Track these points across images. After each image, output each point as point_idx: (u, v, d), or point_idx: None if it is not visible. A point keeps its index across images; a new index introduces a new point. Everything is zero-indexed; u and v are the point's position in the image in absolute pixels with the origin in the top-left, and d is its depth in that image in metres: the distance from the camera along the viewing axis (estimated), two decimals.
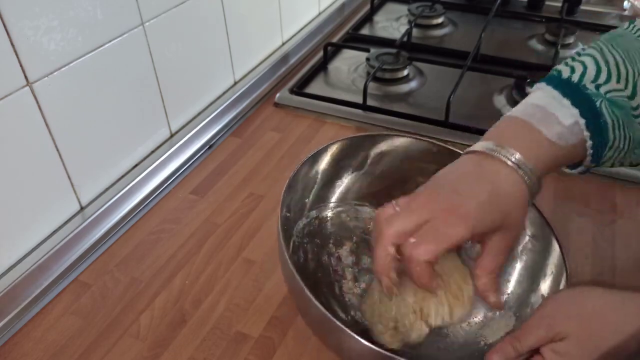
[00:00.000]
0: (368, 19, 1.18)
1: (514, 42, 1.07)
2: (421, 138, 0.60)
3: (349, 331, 0.40)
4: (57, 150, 0.61)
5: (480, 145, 0.45)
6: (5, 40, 0.52)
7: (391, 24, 1.16)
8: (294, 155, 0.79)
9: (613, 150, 0.46)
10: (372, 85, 0.91)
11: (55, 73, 0.58)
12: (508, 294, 0.54)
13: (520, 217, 0.44)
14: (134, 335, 0.56)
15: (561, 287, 0.49)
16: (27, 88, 0.56)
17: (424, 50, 1.03)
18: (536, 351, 0.41)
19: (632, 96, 0.46)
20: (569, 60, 0.48)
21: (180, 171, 0.77)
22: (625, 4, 1.15)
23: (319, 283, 0.56)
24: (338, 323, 0.41)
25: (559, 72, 0.47)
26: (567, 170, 0.50)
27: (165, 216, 0.70)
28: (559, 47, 0.95)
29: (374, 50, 0.97)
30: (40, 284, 0.60)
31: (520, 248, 0.55)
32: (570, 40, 1.03)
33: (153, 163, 0.73)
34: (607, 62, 0.46)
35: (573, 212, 0.68)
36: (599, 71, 0.46)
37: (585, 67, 0.46)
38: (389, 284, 0.43)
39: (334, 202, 0.61)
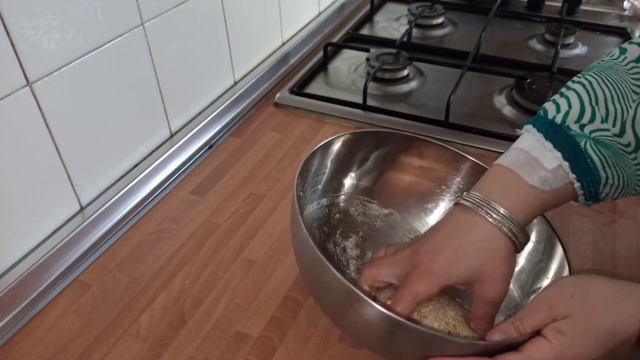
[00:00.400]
0: (368, 19, 1.18)
1: (514, 42, 1.07)
2: (435, 142, 0.60)
3: (365, 297, 0.41)
4: (57, 150, 0.61)
5: (466, 198, 0.47)
6: (5, 40, 0.52)
7: (391, 24, 1.16)
8: (294, 155, 0.79)
9: (608, 187, 0.46)
10: (372, 85, 0.91)
11: (55, 73, 0.58)
12: (509, 295, 0.54)
13: (498, 270, 0.45)
14: (134, 335, 0.56)
15: None
16: (27, 88, 0.56)
17: (424, 50, 1.03)
18: (538, 333, 0.41)
19: (620, 134, 0.46)
20: (557, 96, 0.48)
21: (180, 171, 0.77)
22: (625, 4, 1.15)
23: None
24: (351, 286, 0.41)
25: (546, 111, 0.47)
26: (574, 204, 0.49)
27: (165, 216, 0.70)
28: (559, 47, 0.95)
29: (374, 50, 0.97)
30: (40, 284, 0.60)
31: (524, 250, 0.55)
32: (570, 40, 1.03)
33: (153, 163, 0.73)
34: (594, 99, 0.46)
35: (573, 212, 0.68)
36: (582, 111, 0.46)
37: (570, 106, 0.46)
38: None
39: (344, 195, 0.61)
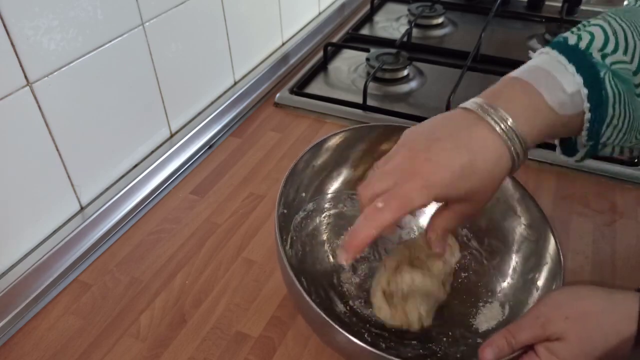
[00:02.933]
0: (368, 19, 1.18)
1: (514, 42, 1.07)
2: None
3: (343, 331, 0.41)
4: (57, 150, 0.61)
5: (474, 102, 0.43)
6: (5, 40, 0.52)
7: (391, 24, 1.16)
8: (294, 155, 0.79)
9: (612, 129, 0.44)
10: (372, 85, 0.91)
11: (55, 73, 0.58)
12: (504, 284, 0.55)
13: (492, 190, 0.43)
14: (134, 335, 0.56)
15: (556, 279, 0.49)
16: (27, 88, 0.56)
17: (424, 50, 1.03)
18: (530, 347, 0.42)
19: (636, 71, 0.44)
20: (574, 29, 0.46)
21: (180, 171, 0.77)
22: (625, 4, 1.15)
23: (318, 275, 0.56)
24: (333, 323, 0.41)
25: (565, 38, 0.45)
26: (565, 158, 0.48)
27: (165, 216, 0.70)
28: None
29: (374, 50, 0.97)
30: (40, 284, 0.60)
31: (517, 238, 0.55)
32: None
33: (153, 163, 0.73)
34: (615, 33, 0.44)
35: (573, 212, 0.68)
36: (607, 40, 0.44)
37: (592, 35, 0.44)
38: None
39: (330, 194, 0.61)
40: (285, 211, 0.54)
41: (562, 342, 0.40)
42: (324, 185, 0.60)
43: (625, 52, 0.44)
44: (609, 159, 0.73)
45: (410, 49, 0.99)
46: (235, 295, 0.59)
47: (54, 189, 0.62)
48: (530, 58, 0.46)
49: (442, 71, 0.95)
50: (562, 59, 0.43)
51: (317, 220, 0.59)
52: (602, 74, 0.42)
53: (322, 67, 1.00)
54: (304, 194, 0.58)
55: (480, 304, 0.54)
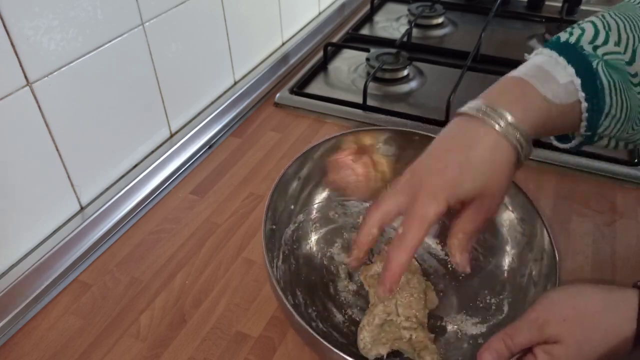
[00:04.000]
0: (368, 19, 1.18)
1: (514, 42, 1.07)
2: (402, 129, 0.60)
3: (332, 347, 0.41)
4: (57, 150, 0.61)
5: (470, 106, 0.44)
6: (5, 40, 0.52)
7: (391, 24, 1.16)
8: (293, 156, 0.79)
9: (610, 119, 0.44)
10: (372, 85, 0.91)
11: (55, 73, 0.58)
12: (501, 281, 0.55)
13: (500, 183, 0.43)
14: (134, 335, 0.56)
15: (552, 274, 0.49)
16: (27, 88, 0.56)
17: (424, 50, 1.03)
18: (529, 349, 0.41)
19: (630, 62, 0.45)
20: (568, 28, 0.47)
21: (180, 171, 0.77)
22: None
23: (314, 286, 0.56)
24: (322, 340, 0.42)
25: (558, 37, 0.46)
26: (560, 145, 0.49)
27: (165, 216, 0.70)
28: None
29: (374, 50, 0.97)
30: (40, 284, 0.60)
31: (511, 233, 0.55)
32: None
33: (153, 163, 0.73)
34: (607, 26, 0.45)
35: (573, 212, 0.68)
36: (596, 33, 0.45)
37: (583, 30, 0.46)
38: (359, 256, 0.45)
39: (319, 203, 0.61)
40: (274, 227, 0.54)
41: (561, 345, 0.39)
42: (312, 196, 0.60)
43: (617, 44, 0.45)
44: (609, 159, 0.73)
45: (410, 49, 0.99)
46: (235, 295, 0.59)
47: (54, 189, 0.62)
48: (525, 60, 0.47)
49: (442, 71, 0.95)
50: (554, 54, 0.44)
51: (309, 231, 0.59)
52: (594, 64, 0.44)
53: (322, 67, 1.00)
54: (292, 207, 0.58)
55: (479, 302, 0.54)
